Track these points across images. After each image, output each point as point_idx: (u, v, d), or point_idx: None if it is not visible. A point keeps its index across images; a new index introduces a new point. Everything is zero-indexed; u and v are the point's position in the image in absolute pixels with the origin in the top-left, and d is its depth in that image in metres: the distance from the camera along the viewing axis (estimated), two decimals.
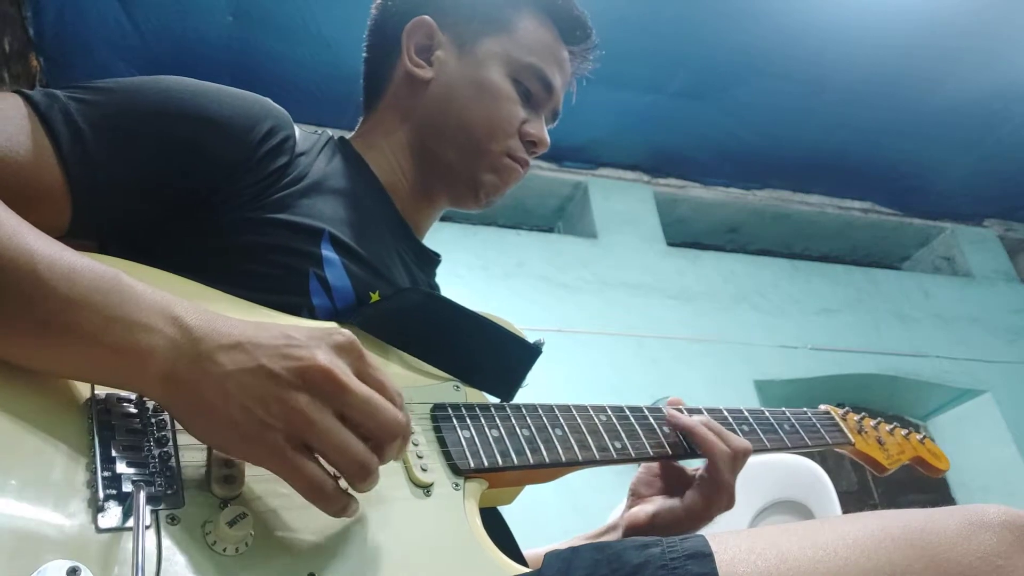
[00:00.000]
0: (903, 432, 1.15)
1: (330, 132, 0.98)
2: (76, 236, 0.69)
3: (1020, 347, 4.10)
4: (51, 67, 2.99)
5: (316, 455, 0.56)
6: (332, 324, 0.76)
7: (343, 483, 0.57)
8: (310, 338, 0.57)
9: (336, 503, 0.56)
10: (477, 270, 3.34)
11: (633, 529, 0.95)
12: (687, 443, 0.91)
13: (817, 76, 3.44)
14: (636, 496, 1.00)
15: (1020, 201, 4.45)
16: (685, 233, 4.20)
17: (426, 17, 0.97)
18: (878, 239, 4.53)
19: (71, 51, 2.97)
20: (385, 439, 0.57)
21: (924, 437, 1.17)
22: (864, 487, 3.70)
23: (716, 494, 0.90)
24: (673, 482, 0.98)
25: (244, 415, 0.54)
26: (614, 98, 3.45)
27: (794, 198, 4.23)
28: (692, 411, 0.95)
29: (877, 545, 0.56)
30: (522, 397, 0.87)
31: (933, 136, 3.86)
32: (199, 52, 3.03)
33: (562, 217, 4.05)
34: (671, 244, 3.90)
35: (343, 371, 0.56)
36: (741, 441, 0.91)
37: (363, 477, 0.56)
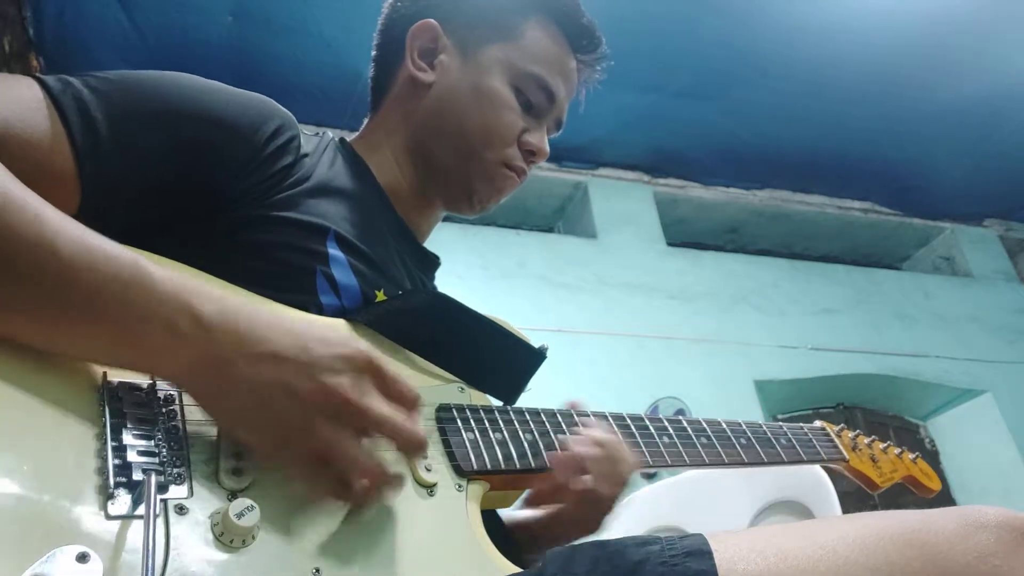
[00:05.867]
0: (896, 451, 1.17)
1: (330, 133, 0.98)
2: (82, 223, 0.69)
3: (1020, 347, 4.10)
4: (51, 67, 2.99)
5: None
6: (341, 321, 0.77)
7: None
8: (332, 357, 0.59)
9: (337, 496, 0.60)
10: (477, 270, 3.34)
11: (515, 526, 0.92)
12: (687, 455, 0.91)
13: (817, 76, 3.44)
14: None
15: (1020, 201, 4.46)
16: (685, 233, 4.20)
17: (431, 20, 0.97)
18: (878, 239, 4.53)
19: (71, 51, 2.97)
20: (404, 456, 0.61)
21: (917, 456, 1.19)
22: None
23: (602, 513, 0.86)
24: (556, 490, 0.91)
25: (263, 423, 0.57)
26: (614, 98, 3.45)
27: (794, 198, 4.23)
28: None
29: (876, 544, 0.56)
30: (523, 400, 0.87)
31: (933, 136, 3.86)
32: (199, 52, 3.04)
33: (562, 217, 4.05)
34: (671, 244, 3.90)
35: (363, 394, 0.59)
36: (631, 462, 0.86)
37: (378, 486, 0.60)
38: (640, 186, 4.01)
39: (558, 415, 0.83)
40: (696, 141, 3.82)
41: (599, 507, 0.85)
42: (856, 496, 3.65)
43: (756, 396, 3.41)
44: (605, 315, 3.43)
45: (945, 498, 3.79)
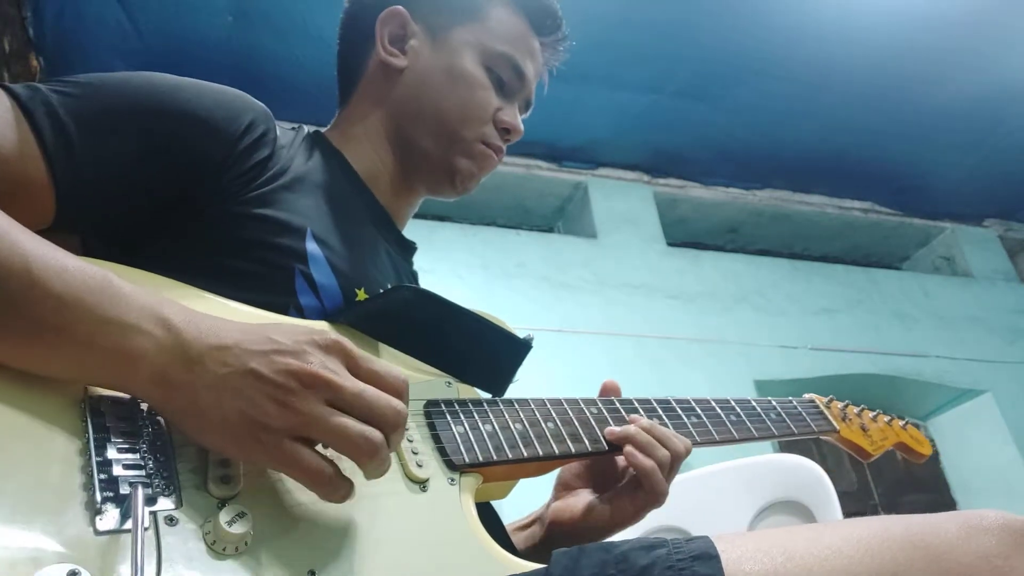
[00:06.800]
0: (886, 419, 1.16)
1: (307, 128, 0.99)
2: (59, 230, 0.69)
3: (1020, 347, 4.10)
4: (51, 67, 2.99)
5: (316, 448, 0.57)
6: (323, 324, 0.76)
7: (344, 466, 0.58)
8: (296, 341, 0.58)
9: (339, 488, 0.57)
10: (477, 270, 3.34)
11: (556, 525, 0.91)
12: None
13: (817, 76, 3.44)
14: (564, 487, 0.95)
15: (1020, 201, 4.46)
16: (685, 233, 4.20)
17: (399, 7, 0.99)
18: (878, 239, 4.53)
19: (71, 51, 2.97)
20: (385, 428, 0.58)
21: (907, 423, 1.18)
22: (864, 487, 3.70)
23: (650, 501, 0.86)
24: (602, 475, 0.94)
25: (238, 416, 0.55)
26: (614, 98, 3.45)
27: (794, 198, 4.23)
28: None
29: (881, 545, 0.56)
30: (514, 393, 0.87)
31: (933, 136, 3.86)
32: (198, 53, 3.04)
33: (562, 217, 4.05)
34: (671, 244, 3.90)
35: (331, 370, 0.57)
36: (681, 443, 0.87)
37: (370, 453, 0.57)
38: (640, 186, 4.01)
39: (547, 403, 0.84)
40: (696, 141, 3.82)
41: (661, 496, 0.85)
42: (855, 496, 3.66)
43: (756, 396, 3.41)
44: (605, 315, 3.43)
45: (945, 498, 3.79)
